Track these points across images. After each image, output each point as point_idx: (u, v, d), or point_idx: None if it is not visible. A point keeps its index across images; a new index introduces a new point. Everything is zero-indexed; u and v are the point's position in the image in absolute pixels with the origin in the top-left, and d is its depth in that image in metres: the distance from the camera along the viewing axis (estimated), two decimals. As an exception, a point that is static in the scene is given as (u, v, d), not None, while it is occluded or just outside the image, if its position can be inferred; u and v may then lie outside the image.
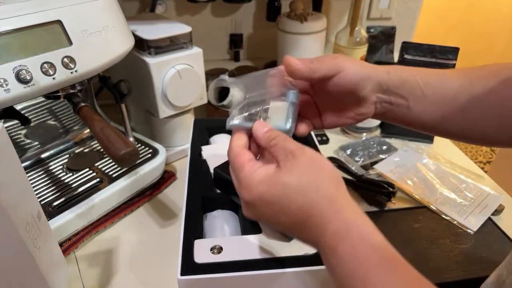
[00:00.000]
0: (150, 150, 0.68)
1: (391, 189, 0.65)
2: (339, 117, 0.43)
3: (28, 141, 0.65)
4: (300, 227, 0.32)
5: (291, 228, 0.33)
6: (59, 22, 0.47)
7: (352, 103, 0.41)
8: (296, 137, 0.39)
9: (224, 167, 0.50)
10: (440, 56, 0.77)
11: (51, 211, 0.55)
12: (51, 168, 0.64)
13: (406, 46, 0.79)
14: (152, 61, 0.64)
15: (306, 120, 0.43)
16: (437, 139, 0.84)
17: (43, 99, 0.65)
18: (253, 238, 0.42)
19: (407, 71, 0.41)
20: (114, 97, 0.64)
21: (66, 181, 0.61)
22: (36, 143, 0.66)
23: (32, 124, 0.64)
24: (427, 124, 0.42)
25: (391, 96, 0.41)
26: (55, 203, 0.56)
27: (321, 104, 0.43)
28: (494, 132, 0.40)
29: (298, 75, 0.38)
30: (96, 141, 0.69)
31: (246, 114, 0.39)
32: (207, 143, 0.65)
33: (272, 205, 0.32)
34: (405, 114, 0.42)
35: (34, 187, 0.59)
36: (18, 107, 0.63)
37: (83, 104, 0.53)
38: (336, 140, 0.83)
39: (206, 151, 0.59)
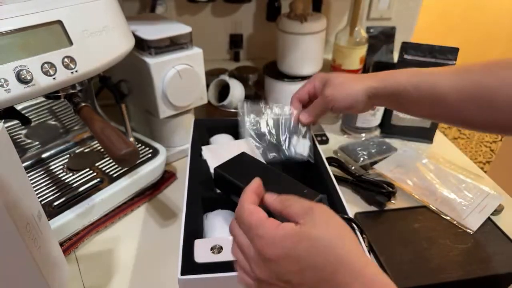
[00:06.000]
0: (150, 150, 0.68)
1: (390, 189, 0.65)
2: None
3: (29, 141, 0.65)
4: (325, 284, 0.30)
5: (316, 285, 0.30)
6: (59, 22, 0.47)
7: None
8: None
9: (224, 167, 0.50)
10: (439, 56, 0.77)
11: (51, 211, 0.55)
12: (51, 168, 0.64)
13: (406, 46, 0.79)
14: (152, 61, 0.64)
15: (309, 110, 0.54)
16: (436, 139, 0.84)
17: (44, 99, 0.65)
18: (253, 238, 0.42)
19: (398, 78, 0.49)
20: (114, 97, 0.64)
21: (67, 181, 0.61)
22: (37, 143, 0.66)
23: (32, 124, 0.64)
24: (419, 117, 0.55)
25: (382, 101, 0.51)
26: (55, 203, 0.56)
27: None
28: (480, 120, 0.45)
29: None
30: (96, 141, 0.69)
31: None
32: (207, 143, 0.65)
33: (299, 262, 0.30)
34: (399, 110, 0.54)
35: (34, 187, 0.59)
36: (18, 107, 0.63)
37: (83, 104, 0.53)
38: (336, 140, 0.83)
39: (206, 151, 0.59)
